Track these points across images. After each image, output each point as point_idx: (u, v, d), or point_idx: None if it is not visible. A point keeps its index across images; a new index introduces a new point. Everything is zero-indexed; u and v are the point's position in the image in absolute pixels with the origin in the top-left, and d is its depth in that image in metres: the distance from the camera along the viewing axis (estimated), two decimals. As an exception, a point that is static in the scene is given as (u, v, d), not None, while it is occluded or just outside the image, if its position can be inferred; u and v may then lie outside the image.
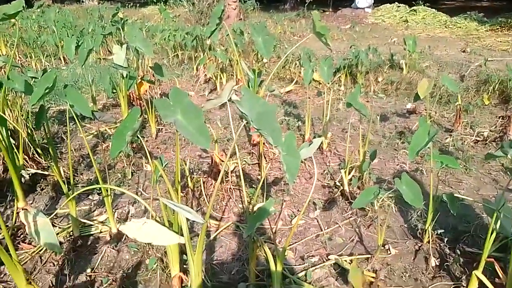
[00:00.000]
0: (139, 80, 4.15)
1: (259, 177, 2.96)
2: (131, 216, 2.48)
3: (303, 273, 2.00)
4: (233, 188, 2.73)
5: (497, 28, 8.98)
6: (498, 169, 3.03)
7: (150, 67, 3.98)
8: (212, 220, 2.46)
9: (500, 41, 7.78)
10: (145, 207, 2.53)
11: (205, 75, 5.41)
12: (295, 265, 2.08)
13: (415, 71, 5.36)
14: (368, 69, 5.29)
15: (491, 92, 4.48)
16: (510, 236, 1.89)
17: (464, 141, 3.50)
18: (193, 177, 2.76)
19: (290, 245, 2.25)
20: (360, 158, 2.74)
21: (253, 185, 2.84)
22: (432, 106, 4.27)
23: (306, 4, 11.94)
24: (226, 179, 2.71)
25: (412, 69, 5.41)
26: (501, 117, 3.91)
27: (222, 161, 2.63)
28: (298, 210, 2.58)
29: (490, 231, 1.78)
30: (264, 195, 2.70)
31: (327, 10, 13.63)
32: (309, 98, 3.94)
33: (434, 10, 10.92)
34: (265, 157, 3.09)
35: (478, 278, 1.81)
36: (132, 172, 3.01)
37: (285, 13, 13.31)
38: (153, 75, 5.06)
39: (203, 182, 2.66)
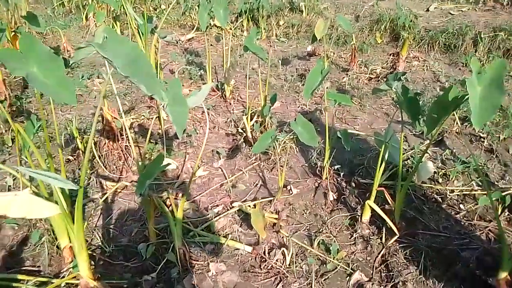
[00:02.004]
0: (13, 33, 3.62)
1: (160, 131, 2.80)
2: (13, 189, 2.21)
3: (207, 223, 1.97)
4: (132, 146, 2.55)
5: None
6: (389, 103, 3.22)
7: (22, 16, 3.46)
8: (109, 182, 2.29)
9: (392, -19, 8.11)
10: (29, 177, 2.25)
11: (96, 24, 4.90)
12: (199, 218, 2.03)
13: (314, 13, 5.39)
14: (269, 13, 5.19)
15: (382, 31, 4.68)
16: (398, 164, 2.01)
17: (359, 79, 3.64)
18: (83, 137, 2.52)
19: (195, 197, 2.18)
20: (261, 103, 2.71)
21: (153, 140, 2.69)
22: (330, 47, 4.36)
23: None
24: (122, 136, 2.51)
25: (311, 11, 5.43)
26: (391, 54, 4.12)
27: (115, 118, 2.42)
28: (202, 161, 2.50)
29: (380, 161, 1.87)
30: (164, 149, 2.57)
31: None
32: (211, 45, 3.76)
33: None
34: (164, 110, 2.92)
35: (370, 206, 1.93)
36: (12, 139, 2.66)
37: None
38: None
39: (95, 143, 2.44)
